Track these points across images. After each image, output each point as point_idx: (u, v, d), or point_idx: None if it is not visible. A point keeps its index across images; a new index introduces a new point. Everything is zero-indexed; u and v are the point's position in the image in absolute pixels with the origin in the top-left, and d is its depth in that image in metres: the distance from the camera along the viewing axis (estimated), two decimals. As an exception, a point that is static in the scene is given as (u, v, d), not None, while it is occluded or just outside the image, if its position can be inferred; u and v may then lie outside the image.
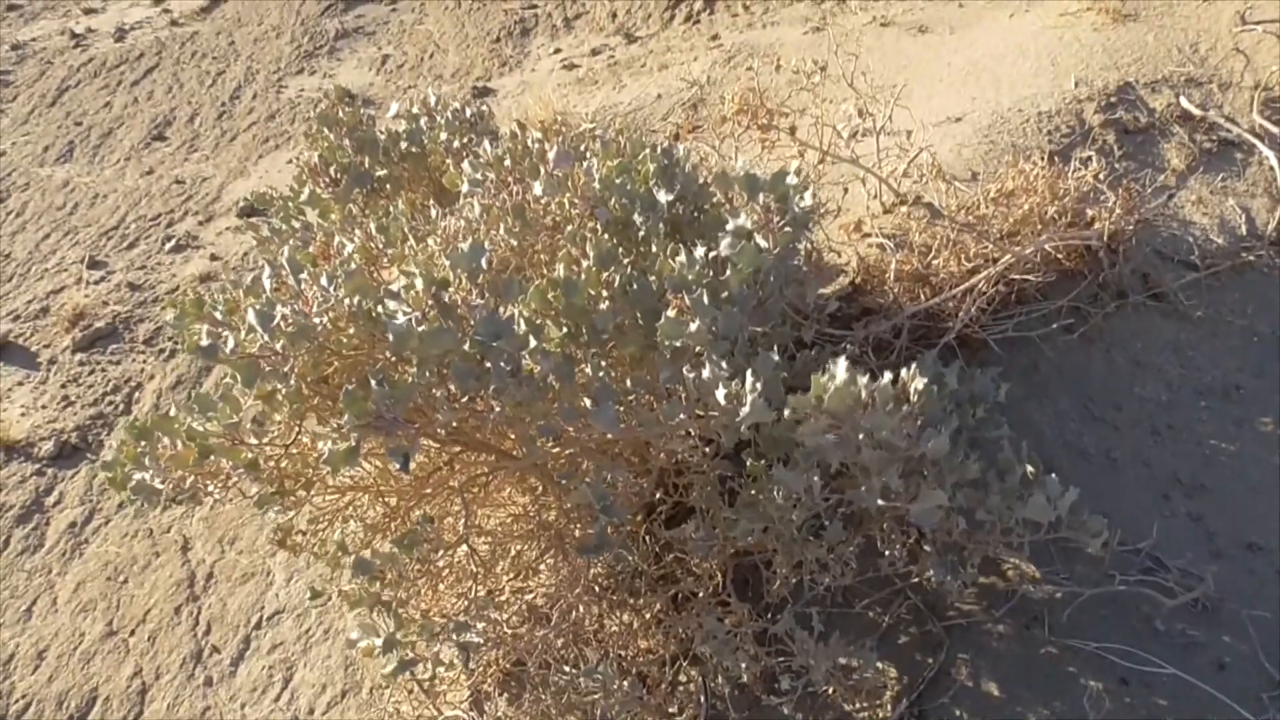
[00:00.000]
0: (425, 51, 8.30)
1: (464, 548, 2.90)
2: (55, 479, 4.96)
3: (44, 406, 5.36)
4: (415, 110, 3.95)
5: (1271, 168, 4.22)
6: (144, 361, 5.55)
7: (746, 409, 2.41)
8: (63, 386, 5.46)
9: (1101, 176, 3.98)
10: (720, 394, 2.45)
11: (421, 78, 7.90)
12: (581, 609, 3.15)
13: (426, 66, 8.05)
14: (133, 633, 4.16)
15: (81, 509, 4.77)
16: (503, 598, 3.13)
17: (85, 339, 5.74)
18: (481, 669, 3.33)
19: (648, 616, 3.17)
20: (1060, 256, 3.73)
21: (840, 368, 2.42)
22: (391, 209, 3.28)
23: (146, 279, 6.22)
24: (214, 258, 6.29)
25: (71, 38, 9.70)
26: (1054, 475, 2.69)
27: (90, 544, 4.60)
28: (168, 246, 6.52)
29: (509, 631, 3.07)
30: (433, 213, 3.14)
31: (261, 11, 9.49)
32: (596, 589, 3.25)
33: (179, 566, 4.37)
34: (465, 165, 3.15)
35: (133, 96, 8.55)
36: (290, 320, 2.32)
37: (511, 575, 3.17)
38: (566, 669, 3.02)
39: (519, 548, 3.17)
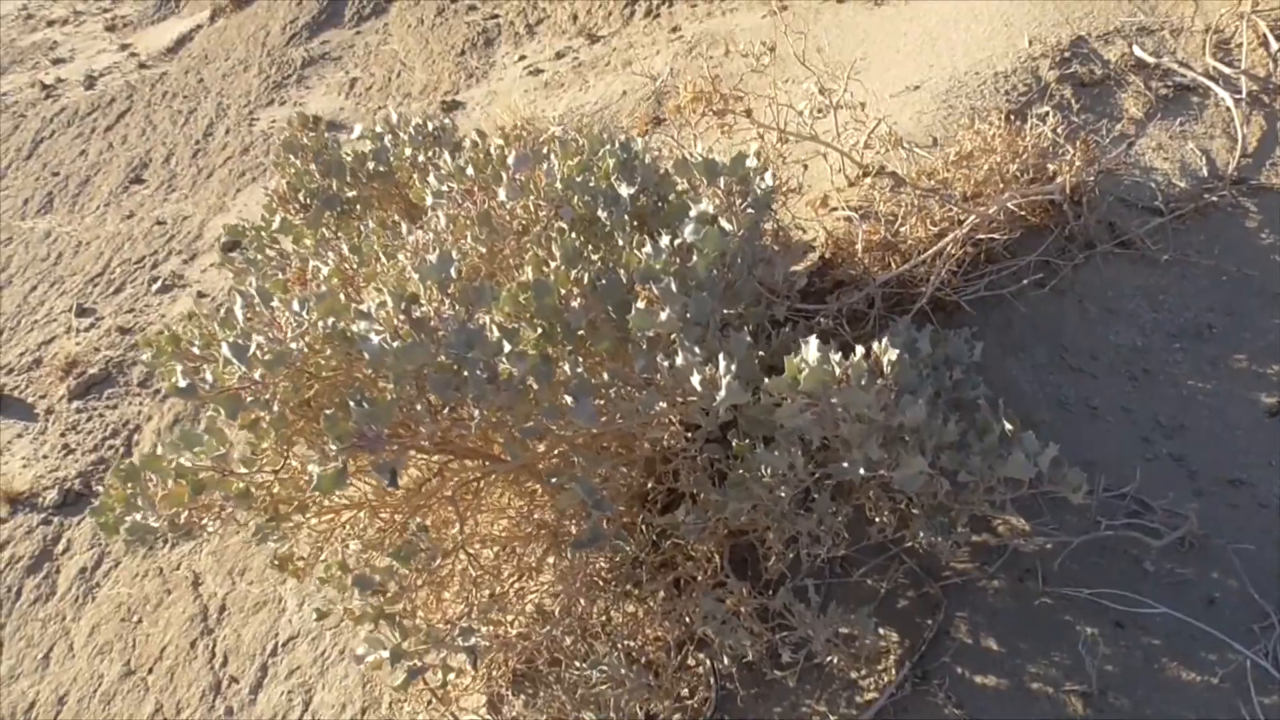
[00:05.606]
0: (392, 71, 8.33)
1: (464, 554, 2.95)
2: (62, 527, 5.01)
3: (45, 456, 5.41)
4: (379, 129, 3.99)
5: (1228, 108, 4.25)
6: (140, 404, 5.59)
7: (723, 393, 2.45)
8: (62, 435, 5.52)
9: (1059, 131, 4.01)
10: (695, 380, 2.49)
11: (390, 97, 7.94)
12: (586, 603, 3.19)
13: (394, 86, 8.09)
14: (151, 670, 4.19)
15: (91, 554, 4.82)
16: (507, 600, 3.16)
17: (80, 386, 5.79)
18: (492, 671, 3.37)
19: (652, 605, 3.21)
20: (1025, 213, 3.76)
21: (812, 348, 2.45)
22: (363, 228, 3.32)
23: (136, 322, 6.28)
24: (201, 295, 6.33)
25: (42, 89, 9.76)
26: (1032, 432, 2.71)
27: (102, 587, 4.64)
28: (154, 288, 6.58)
29: (514, 632, 3.12)
30: (403, 229, 3.18)
31: (227, 47, 9.52)
32: (600, 582, 3.30)
33: (191, 602, 4.40)
34: (430, 179, 3.20)
35: (107, 142, 8.60)
36: (265, 348, 2.37)
37: (514, 576, 3.21)
38: (578, 664, 3.06)
39: (519, 550, 3.21)
